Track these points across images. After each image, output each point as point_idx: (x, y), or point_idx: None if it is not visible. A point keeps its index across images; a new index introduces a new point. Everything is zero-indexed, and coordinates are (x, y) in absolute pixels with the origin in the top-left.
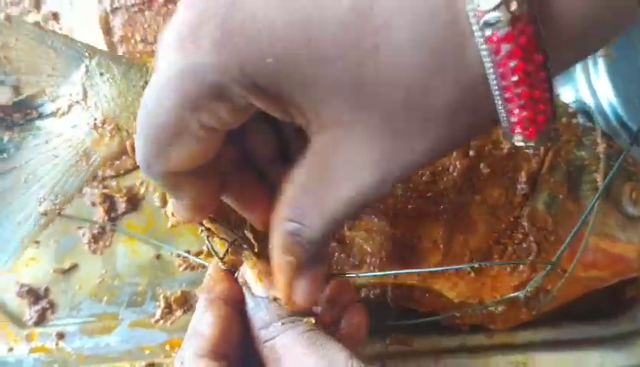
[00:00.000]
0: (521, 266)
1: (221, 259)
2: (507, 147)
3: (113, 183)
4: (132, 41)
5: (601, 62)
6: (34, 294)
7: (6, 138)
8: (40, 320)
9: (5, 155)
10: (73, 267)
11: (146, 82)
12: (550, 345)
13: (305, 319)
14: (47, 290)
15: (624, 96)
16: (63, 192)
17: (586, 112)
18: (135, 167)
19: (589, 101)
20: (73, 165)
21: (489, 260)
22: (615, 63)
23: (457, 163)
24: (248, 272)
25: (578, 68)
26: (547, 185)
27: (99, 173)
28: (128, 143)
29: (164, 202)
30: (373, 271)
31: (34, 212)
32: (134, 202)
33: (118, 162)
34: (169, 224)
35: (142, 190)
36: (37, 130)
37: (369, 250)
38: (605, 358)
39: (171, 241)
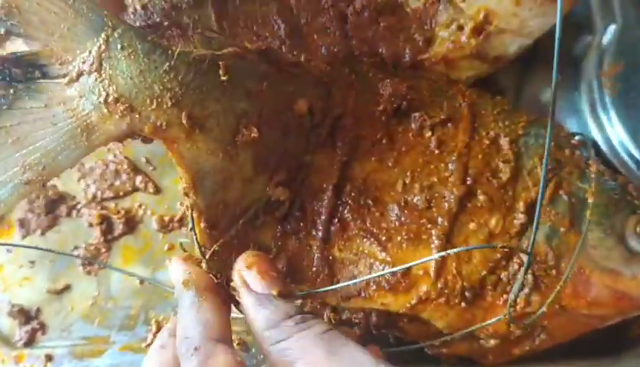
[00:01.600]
0: (517, 300)
1: (207, 262)
2: (507, 176)
3: (112, 204)
4: None
5: (607, 93)
6: (25, 314)
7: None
8: (30, 341)
9: None
10: (67, 288)
11: (170, 67)
12: None
13: (315, 319)
14: (38, 310)
15: (631, 128)
16: (53, 164)
17: (591, 143)
18: (135, 189)
19: (595, 133)
20: (72, 137)
21: (483, 292)
22: (622, 95)
23: (454, 189)
24: (246, 272)
25: (584, 99)
26: (548, 217)
27: (99, 193)
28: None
29: (162, 226)
30: (360, 296)
31: (15, 177)
32: (131, 224)
33: (117, 183)
34: (165, 247)
35: (140, 213)
36: (36, 92)
37: (354, 273)
38: None
39: (165, 262)
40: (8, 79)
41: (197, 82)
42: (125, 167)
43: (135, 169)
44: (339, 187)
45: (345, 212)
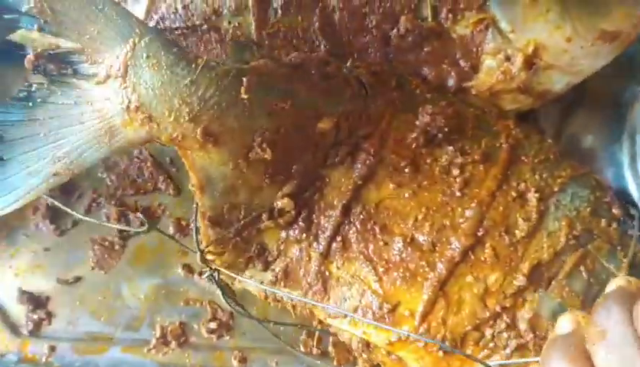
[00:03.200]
0: (496, 356)
1: (201, 253)
2: (522, 234)
3: (132, 200)
4: None
5: None
6: (34, 302)
7: (34, 86)
8: (36, 330)
9: (31, 104)
10: (78, 280)
11: (191, 81)
12: None
13: None
14: (47, 299)
15: None
16: (79, 159)
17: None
18: (156, 188)
19: (632, 187)
20: (96, 137)
21: (464, 345)
22: None
23: (462, 238)
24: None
25: (625, 150)
26: (560, 292)
27: (120, 189)
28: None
29: (178, 229)
30: (345, 319)
31: (45, 168)
32: (148, 222)
33: (140, 181)
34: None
35: (159, 213)
36: (68, 89)
37: (345, 295)
38: None
39: (178, 265)
40: (43, 73)
41: (217, 99)
42: (149, 165)
43: (159, 168)
44: (349, 207)
45: (350, 232)
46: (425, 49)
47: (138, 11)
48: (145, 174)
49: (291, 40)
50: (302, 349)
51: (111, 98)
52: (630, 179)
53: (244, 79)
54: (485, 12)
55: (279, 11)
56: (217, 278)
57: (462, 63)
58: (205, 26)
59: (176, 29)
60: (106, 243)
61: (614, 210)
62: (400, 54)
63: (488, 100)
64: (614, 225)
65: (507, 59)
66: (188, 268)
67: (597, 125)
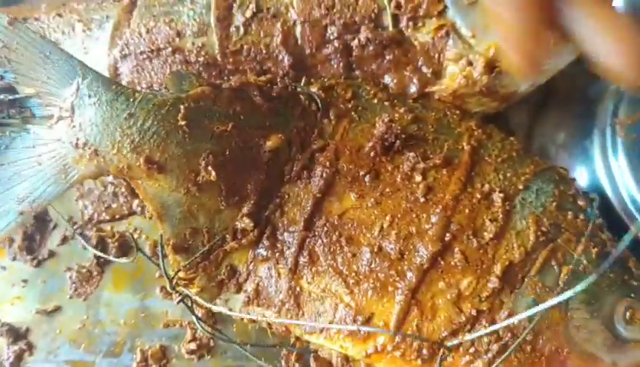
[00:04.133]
0: (477, 362)
1: (170, 280)
2: (490, 236)
3: (107, 226)
4: (139, 88)
5: (620, 142)
6: (14, 334)
7: None
8: (17, 361)
9: None
10: (57, 309)
11: (130, 114)
12: None
13: None
14: (27, 330)
15: None
16: (40, 198)
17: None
18: (131, 213)
19: (604, 181)
20: (53, 176)
21: (445, 355)
22: (636, 144)
23: (429, 245)
24: None
25: (595, 144)
26: (534, 289)
27: (95, 215)
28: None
29: (155, 252)
30: (321, 334)
31: (12, 209)
32: (125, 248)
33: (114, 206)
34: (157, 274)
35: (135, 236)
36: (26, 133)
37: (319, 310)
38: None
39: (156, 290)
40: (6, 120)
41: (156, 128)
42: (124, 190)
43: (133, 192)
44: (311, 221)
45: (317, 246)
46: (387, 57)
47: (103, 37)
48: (120, 199)
49: (255, 56)
50: (284, 365)
51: (62, 138)
52: (602, 173)
53: (182, 106)
54: (445, 19)
55: (242, 29)
56: (189, 304)
57: (424, 69)
58: (169, 48)
59: (141, 53)
60: (84, 270)
61: (579, 202)
62: (363, 64)
63: (451, 103)
64: (581, 216)
65: (470, 64)
66: (166, 291)
67: (567, 122)
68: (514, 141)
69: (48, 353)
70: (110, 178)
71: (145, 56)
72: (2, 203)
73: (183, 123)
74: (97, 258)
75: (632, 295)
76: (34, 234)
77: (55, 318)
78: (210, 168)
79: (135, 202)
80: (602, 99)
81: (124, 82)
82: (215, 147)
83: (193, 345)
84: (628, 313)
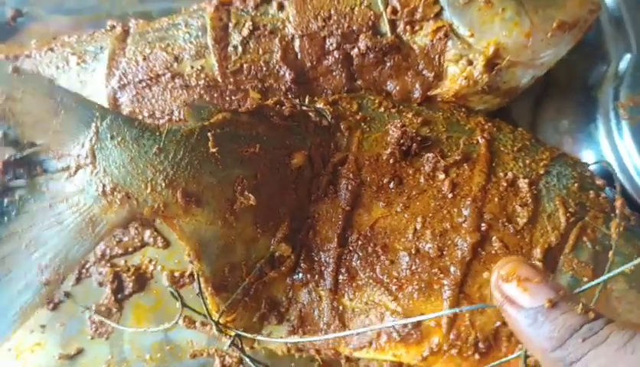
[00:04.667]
0: None
1: (217, 324)
2: (524, 221)
3: (121, 261)
4: (140, 117)
5: (625, 124)
6: None
7: (6, 200)
8: None
9: (6, 219)
10: (79, 352)
11: (159, 149)
12: None
13: (607, 326)
14: None
15: None
16: (66, 260)
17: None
18: (143, 244)
19: (613, 163)
20: (79, 232)
21: (497, 343)
22: None
23: (467, 237)
24: (504, 285)
25: (600, 129)
26: (570, 266)
27: (107, 251)
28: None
29: (173, 282)
30: (371, 347)
31: (35, 280)
32: (142, 281)
33: (126, 239)
34: (178, 304)
35: (151, 268)
36: (39, 192)
37: (365, 323)
38: None
39: (179, 322)
40: (13, 181)
41: (188, 159)
42: (134, 222)
43: (144, 223)
44: (344, 236)
45: (353, 260)
46: (387, 64)
47: (99, 68)
48: (131, 232)
49: (256, 74)
50: None
51: (84, 188)
52: (609, 155)
53: (209, 134)
54: (442, 20)
55: (239, 48)
56: (240, 345)
57: (425, 73)
58: (168, 74)
59: (139, 81)
60: (103, 308)
61: (597, 182)
62: (364, 73)
63: (455, 103)
64: (602, 194)
65: (470, 63)
66: (189, 320)
67: (570, 109)
68: (523, 131)
69: None
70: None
71: (144, 84)
72: (22, 277)
73: (215, 150)
74: (114, 293)
75: None
76: None
77: (78, 361)
78: (246, 193)
79: (147, 233)
80: (602, 84)
81: (124, 113)
82: (247, 171)
83: None
84: None
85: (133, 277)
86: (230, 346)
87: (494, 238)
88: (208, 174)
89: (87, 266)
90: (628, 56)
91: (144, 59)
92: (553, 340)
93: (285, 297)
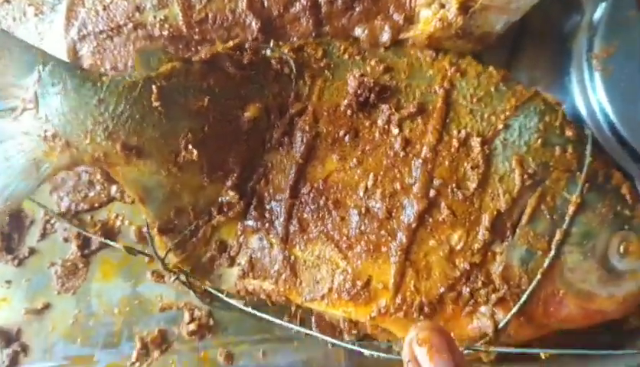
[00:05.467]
0: (482, 308)
1: (162, 261)
2: (474, 185)
3: (87, 216)
4: (102, 69)
5: (597, 76)
6: (5, 337)
7: None
8: (13, 364)
9: None
10: (46, 307)
11: (100, 100)
12: None
13: None
14: (19, 331)
15: (621, 111)
16: (12, 196)
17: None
18: (110, 199)
19: (585, 115)
20: (23, 171)
21: (443, 306)
22: (614, 77)
23: (415, 202)
24: (417, 347)
25: (573, 80)
26: (526, 239)
27: (73, 206)
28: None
29: (141, 237)
30: (323, 301)
31: None
32: (109, 236)
33: (92, 194)
34: (146, 259)
35: (118, 224)
36: None
37: (316, 277)
38: None
39: (147, 275)
40: None
41: (129, 113)
42: (99, 176)
43: (109, 178)
44: (297, 187)
45: (305, 212)
46: (357, 9)
47: (58, 19)
48: (97, 187)
49: (222, 23)
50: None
51: (28, 131)
52: (582, 107)
53: (154, 86)
54: None
55: None
56: (186, 280)
57: (395, 16)
58: (130, 25)
59: (100, 32)
60: (69, 264)
61: (567, 132)
62: (333, 19)
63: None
64: (569, 149)
65: (442, 6)
66: (157, 275)
67: (544, 60)
68: (492, 73)
69: (44, 352)
70: (83, 167)
71: (105, 35)
72: None
73: (157, 104)
74: (80, 249)
75: (626, 226)
76: (11, 233)
77: (46, 316)
78: (190, 147)
79: (114, 187)
80: (576, 34)
81: (85, 66)
82: (193, 124)
83: (193, 326)
84: (622, 247)
85: (100, 233)
86: (174, 281)
87: (442, 205)
88: (151, 127)
89: (52, 221)
90: (603, 5)
91: (104, 9)
92: None
93: (235, 241)
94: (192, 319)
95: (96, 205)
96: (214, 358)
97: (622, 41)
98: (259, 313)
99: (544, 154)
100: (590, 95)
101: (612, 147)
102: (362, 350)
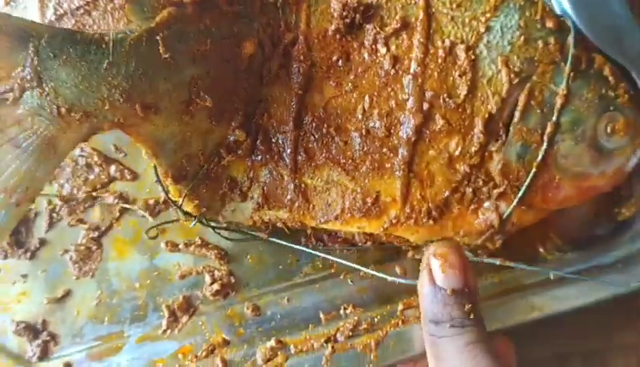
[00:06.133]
0: (485, 203)
1: (179, 207)
2: (464, 92)
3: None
4: None
5: None
6: (32, 330)
7: None
8: (44, 354)
9: None
10: (67, 293)
11: (110, 63)
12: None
13: (470, 328)
14: (44, 322)
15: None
16: (33, 181)
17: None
18: (111, 180)
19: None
20: (40, 154)
21: (449, 207)
22: None
23: (411, 117)
24: (432, 258)
25: None
26: (520, 135)
27: (75, 191)
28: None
29: (149, 211)
30: (337, 221)
31: (4, 203)
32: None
33: (92, 177)
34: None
35: (123, 202)
36: None
37: (328, 200)
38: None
39: (161, 246)
40: None
41: (142, 69)
42: (96, 158)
43: (107, 159)
44: (299, 118)
45: (310, 142)
46: None
47: (31, 3)
48: (95, 169)
49: None
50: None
51: (36, 111)
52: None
53: (157, 38)
54: None
55: None
56: (205, 221)
57: None
58: None
59: (77, 9)
60: (82, 248)
61: (548, 24)
62: None
63: None
64: (551, 41)
65: None
66: (172, 244)
67: None
68: None
69: (74, 337)
70: (78, 151)
71: (82, 10)
72: None
73: (167, 56)
74: (94, 231)
75: (612, 107)
76: (19, 227)
77: (68, 302)
78: (202, 94)
79: (112, 167)
80: None
81: None
82: (200, 70)
83: (216, 286)
84: (609, 127)
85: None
86: (195, 224)
87: (437, 116)
88: (163, 81)
89: (57, 210)
90: None
91: None
92: (435, 315)
93: (246, 177)
94: (213, 281)
95: (98, 187)
96: (242, 313)
97: None
98: (281, 241)
99: (528, 50)
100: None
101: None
102: (384, 276)
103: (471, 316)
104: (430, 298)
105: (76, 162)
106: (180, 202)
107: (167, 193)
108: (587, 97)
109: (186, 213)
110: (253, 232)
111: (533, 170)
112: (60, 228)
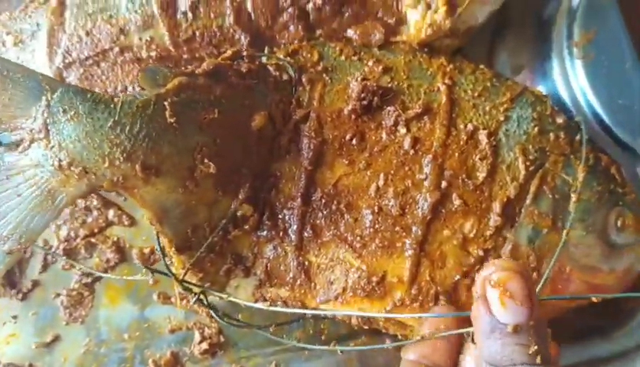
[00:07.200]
0: None
1: (180, 282)
2: (483, 175)
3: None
4: None
5: (579, 63)
6: None
7: None
8: None
9: None
10: (56, 338)
11: (115, 122)
12: None
13: None
14: (31, 366)
15: (604, 98)
16: (27, 231)
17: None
18: (109, 224)
19: (568, 102)
20: (38, 205)
21: (457, 294)
22: (594, 63)
23: (427, 196)
24: (489, 288)
25: (555, 69)
26: (531, 218)
27: (72, 233)
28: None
29: (143, 259)
30: (337, 301)
31: None
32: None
33: (90, 220)
34: (150, 281)
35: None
36: None
37: (330, 278)
38: None
39: (153, 297)
40: None
41: (146, 131)
42: (95, 202)
43: (106, 202)
44: (308, 194)
45: (317, 218)
46: (346, 14)
47: (39, 48)
48: (94, 212)
49: (210, 40)
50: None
51: (40, 162)
52: (565, 94)
53: (166, 103)
54: None
55: (189, 14)
56: (205, 301)
57: (386, 19)
58: (116, 48)
59: (86, 59)
60: (74, 293)
61: (558, 120)
62: (323, 25)
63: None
64: (562, 135)
65: (428, 7)
66: (164, 296)
67: (525, 46)
68: (484, 70)
69: None
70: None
71: (91, 61)
72: None
73: (172, 120)
74: (87, 276)
75: (620, 203)
76: (13, 267)
77: (56, 348)
78: (206, 161)
79: (111, 212)
80: (555, 21)
81: None
82: (206, 138)
83: (205, 345)
84: (619, 222)
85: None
86: (194, 302)
87: (454, 195)
88: (167, 145)
89: (52, 251)
90: None
91: (87, 34)
92: (494, 357)
93: (250, 252)
94: (203, 338)
95: (95, 230)
96: None
97: (601, 27)
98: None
99: (541, 141)
100: (572, 82)
101: (595, 133)
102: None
103: (538, 361)
104: (487, 334)
105: (75, 204)
106: (182, 275)
107: (167, 266)
108: (597, 189)
109: (186, 288)
110: (247, 322)
111: (551, 264)
112: (54, 270)
